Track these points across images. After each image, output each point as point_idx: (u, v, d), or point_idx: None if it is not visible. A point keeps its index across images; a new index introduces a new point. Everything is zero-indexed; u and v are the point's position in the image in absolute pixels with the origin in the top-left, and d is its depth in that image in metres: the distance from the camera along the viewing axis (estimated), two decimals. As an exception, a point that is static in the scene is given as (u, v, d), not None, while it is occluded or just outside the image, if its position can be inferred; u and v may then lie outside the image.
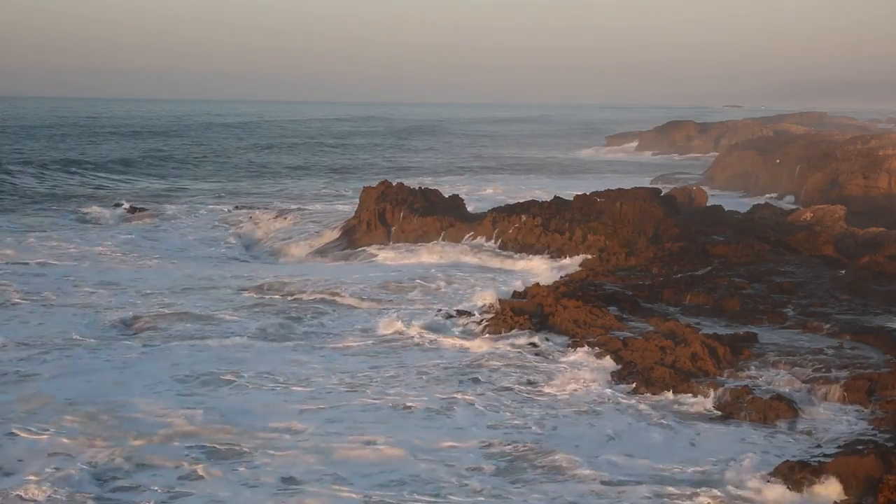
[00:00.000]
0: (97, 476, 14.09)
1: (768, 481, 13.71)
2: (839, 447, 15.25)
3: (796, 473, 13.61)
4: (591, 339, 20.96)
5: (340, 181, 67.68)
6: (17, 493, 13.38)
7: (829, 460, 14.06)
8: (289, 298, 26.65)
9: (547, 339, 21.63)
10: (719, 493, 13.59)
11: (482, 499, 13.59)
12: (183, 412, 16.84)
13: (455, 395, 18.08)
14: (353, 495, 13.64)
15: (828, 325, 21.79)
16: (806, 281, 26.10)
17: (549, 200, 35.37)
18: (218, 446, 15.36)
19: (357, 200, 38.81)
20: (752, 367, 19.00)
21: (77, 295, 26.92)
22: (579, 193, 35.56)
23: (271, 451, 15.17)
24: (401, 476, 14.36)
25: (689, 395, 18.00)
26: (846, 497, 13.10)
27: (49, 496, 13.34)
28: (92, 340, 22.01)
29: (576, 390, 18.46)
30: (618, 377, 18.98)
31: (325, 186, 63.37)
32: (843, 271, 27.16)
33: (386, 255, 33.16)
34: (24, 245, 36.32)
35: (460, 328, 22.82)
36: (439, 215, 35.33)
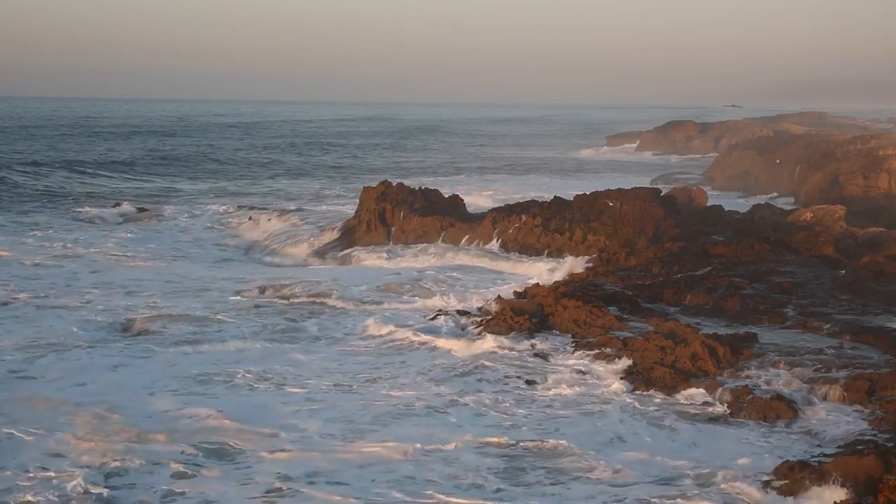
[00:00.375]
0: (93, 476, 14.04)
1: (768, 481, 13.70)
2: (839, 447, 15.23)
3: (796, 473, 13.60)
4: (591, 339, 20.95)
5: (340, 181, 67.67)
6: (13, 493, 13.36)
7: (829, 460, 14.04)
8: (286, 299, 26.60)
9: (547, 339, 21.63)
10: (719, 494, 13.58)
11: (482, 500, 13.56)
12: (179, 413, 16.81)
13: (454, 396, 18.06)
14: (350, 495, 13.61)
15: (828, 325, 21.78)
16: (806, 281, 26.08)
17: (549, 200, 35.35)
18: (214, 446, 15.33)
19: (357, 200, 38.80)
20: (752, 367, 18.99)
21: (73, 295, 26.86)
22: (579, 193, 35.55)
23: (268, 451, 15.14)
24: (399, 476, 14.33)
25: (689, 395, 18.00)
26: (846, 497, 13.08)
27: (45, 496, 13.31)
28: (88, 341, 21.98)
29: (576, 391, 18.45)
30: (617, 377, 18.96)
31: (325, 186, 63.35)
32: (843, 271, 27.15)
33: (379, 261, 32.79)
34: (20, 245, 36.30)
35: (460, 328, 22.79)
36: (439, 215, 35.31)
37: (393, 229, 35.50)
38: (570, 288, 25.15)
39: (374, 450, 15.33)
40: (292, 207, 46.66)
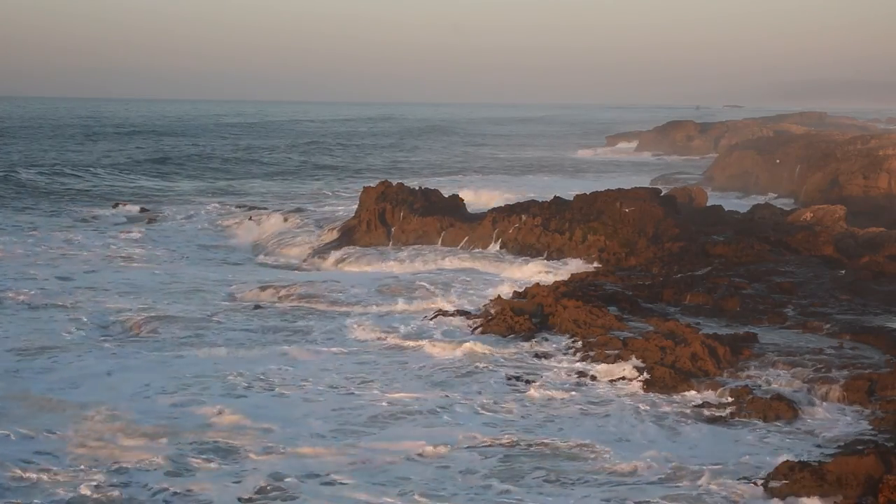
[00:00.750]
0: (87, 476, 14.06)
1: (768, 481, 13.70)
2: (839, 447, 15.23)
3: (796, 473, 13.59)
4: (591, 339, 20.95)
5: (340, 181, 67.66)
6: (5, 494, 13.37)
7: (829, 460, 14.03)
8: (284, 300, 26.56)
9: (546, 340, 21.63)
10: (719, 494, 13.58)
11: (481, 501, 13.56)
12: (174, 413, 16.79)
13: (452, 397, 18.03)
14: (345, 495, 13.60)
15: (828, 325, 21.77)
16: (806, 281, 26.08)
17: (549, 200, 35.34)
18: (209, 446, 15.30)
19: (357, 201, 38.79)
20: (752, 367, 18.99)
21: (69, 296, 26.80)
22: (579, 193, 35.53)
23: (263, 451, 15.11)
24: (395, 477, 14.32)
25: (689, 395, 18.01)
26: (846, 497, 13.08)
27: (38, 497, 13.31)
28: (83, 342, 21.96)
29: (575, 391, 18.45)
30: (618, 377, 18.96)
31: (325, 186, 63.35)
32: (843, 271, 27.14)
33: (378, 262, 32.67)
34: (16, 244, 36.30)
35: (459, 328, 22.79)
36: (439, 215, 35.30)
37: (393, 229, 35.49)
38: (570, 288, 25.15)
39: (371, 450, 15.31)
40: (292, 207, 46.65)
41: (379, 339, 22.33)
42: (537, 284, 25.40)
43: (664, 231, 31.66)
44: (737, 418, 16.77)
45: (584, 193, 35.10)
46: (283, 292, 27.12)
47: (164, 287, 28.68)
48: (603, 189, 35.55)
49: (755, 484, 13.73)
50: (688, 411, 17.26)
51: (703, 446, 15.47)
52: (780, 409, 16.86)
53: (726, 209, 37.97)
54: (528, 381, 18.87)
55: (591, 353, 20.16)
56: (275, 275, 31.73)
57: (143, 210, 47.55)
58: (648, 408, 17.42)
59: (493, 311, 23.27)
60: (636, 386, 18.46)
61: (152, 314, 24.64)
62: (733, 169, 61.07)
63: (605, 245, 31.20)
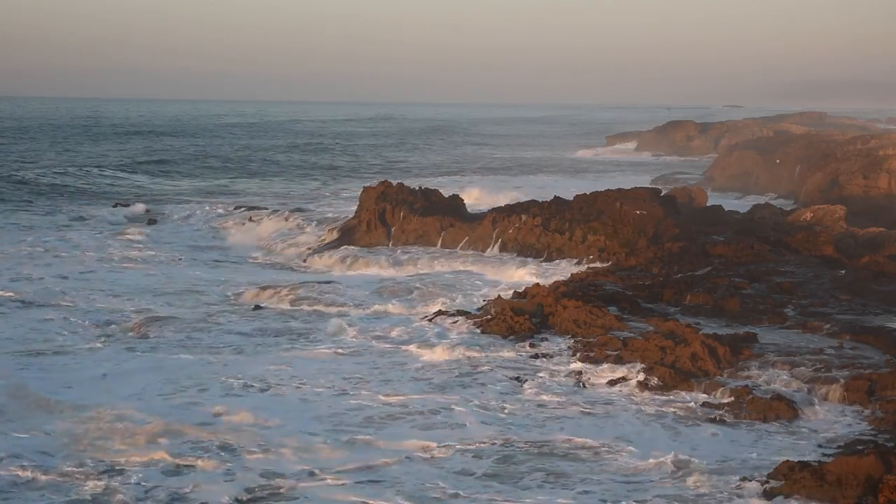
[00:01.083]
0: (83, 475, 14.10)
1: (768, 481, 13.69)
2: (839, 447, 15.24)
3: (796, 473, 13.58)
4: (591, 340, 20.94)
5: (340, 181, 67.62)
6: (6, 493, 13.37)
7: (829, 460, 14.03)
8: (283, 301, 26.53)
9: (547, 340, 21.62)
10: (719, 494, 13.57)
11: (480, 503, 13.55)
12: (170, 413, 16.77)
13: (451, 397, 18.02)
14: (341, 495, 13.59)
15: (828, 325, 21.77)
16: (806, 281, 26.07)
17: (549, 200, 35.33)
18: (205, 445, 15.30)
19: (357, 201, 38.77)
20: (752, 367, 18.98)
21: (67, 296, 26.83)
22: (579, 193, 35.52)
23: (261, 451, 15.11)
24: (393, 477, 14.31)
25: (689, 395, 18.00)
26: (846, 497, 13.07)
27: (35, 496, 13.31)
28: (79, 343, 21.99)
29: (575, 391, 18.45)
30: (618, 378, 18.95)
31: (324, 187, 63.35)
32: (843, 271, 27.13)
33: (377, 263, 32.59)
34: (12, 244, 36.27)
35: (459, 328, 22.77)
36: (439, 215, 35.29)
37: (393, 229, 35.48)
38: (570, 288, 25.14)
39: (368, 451, 15.30)
40: (291, 207, 46.61)
41: (376, 340, 22.29)
42: (537, 284, 25.38)
43: (664, 231, 31.66)
44: (737, 418, 16.77)
45: (584, 193, 35.10)
46: (282, 293, 27.09)
47: (162, 287, 28.67)
48: (603, 189, 35.53)
49: (755, 484, 13.72)
50: (688, 411, 17.26)
51: (704, 446, 15.47)
52: (780, 409, 16.86)
53: (726, 209, 37.96)
54: (527, 382, 18.86)
55: (592, 354, 20.15)
56: (274, 275, 31.73)
57: (141, 210, 47.51)
58: (648, 408, 17.42)
59: (493, 311, 23.25)
60: (636, 386, 18.45)
61: (150, 315, 24.64)
62: (733, 169, 61.06)
63: (605, 245, 31.19)
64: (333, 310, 25.36)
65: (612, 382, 18.76)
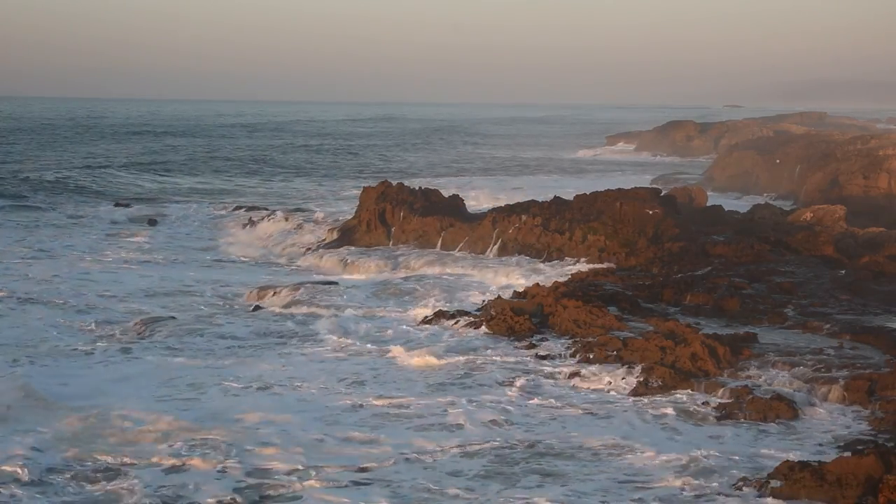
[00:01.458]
0: (79, 475, 14.11)
1: (768, 481, 13.68)
2: (839, 447, 15.24)
3: (796, 473, 13.58)
4: (591, 339, 20.93)
5: (339, 181, 67.60)
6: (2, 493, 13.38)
7: (829, 460, 14.03)
8: (282, 302, 26.51)
9: (546, 340, 21.61)
10: (719, 494, 13.57)
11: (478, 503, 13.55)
12: (165, 413, 16.78)
13: (451, 397, 18.00)
14: (336, 495, 13.60)
15: (828, 325, 21.76)
16: (806, 281, 26.07)
17: (549, 200, 35.32)
18: (200, 444, 15.31)
19: (357, 201, 38.76)
20: (752, 367, 18.98)
21: (63, 296, 26.83)
22: (579, 193, 35.49)
23: (257, 450, 15.10)
24: (389, 477, 14.31)
25: (689, 395, 18.00)
26: (846, 497, 13.07)
27: (30, 495, 13.31)
28: (73, 343, 21.97)
29: (575, 391, 18.44)
30: (618, 378, 18.94)
31: (325, 186, 63.33)
32: (843, 271, 27.13)
33: (375, 264, 32.49)
34: (11, 243, 36.25)
35: (458, 328, 22.77)
36: (439, 215, 35.27)
37: (393, 229, 35.47)
38: (570, 288, 25.13)
39: (364, 451, 15.30)
40: (291, 208, 46.62)
41: (375, 341, 22.27)
42: (537, 284, 25.38)
43: (664, 231, 31.64)
44: (737, 418, 16.76)
45: (584, 193, 35.06)
46: (281, 293, 27.08)
47: (161, 288, 28.67)
48: (603, 189, 35.51)
49: (755, 484, 13.72)
50: (688, 411, 17.25)
51: (703, 446, 15.44)
52: (780, 409, 16.86)
53: (726, 209, 37.95)
54: (526, 382, 18.86)
55: (591, 354, 20.14)
56: (274, 276, 31.72)
57: (141, 210, 47.52)
58: (648, 408, 17.42)
59: (493, 311, 23.24)
60: (636, 386, 18.43)
61: (149, 315, 24.63)
62: (733, 169, 61.05)
63: (605, 245, 31.18)
64: (332, 311, 25.29)
65: (611, 382, 18.75)
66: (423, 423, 16.63)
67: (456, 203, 37.25)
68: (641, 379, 18.62)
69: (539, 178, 70.22)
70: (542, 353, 20.71)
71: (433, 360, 20.34)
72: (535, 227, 32.91)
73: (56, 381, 18.79)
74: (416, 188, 37.85)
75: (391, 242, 35.03)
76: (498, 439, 15.80)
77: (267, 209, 46.21)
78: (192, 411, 17.04)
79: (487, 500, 13.54)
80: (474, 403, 17.58)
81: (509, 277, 29.46)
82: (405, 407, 17.44)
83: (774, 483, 13.60)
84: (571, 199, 34.64)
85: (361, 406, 17.51)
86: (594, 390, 18.47)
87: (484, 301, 25.10)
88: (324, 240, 37.46)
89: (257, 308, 25.88)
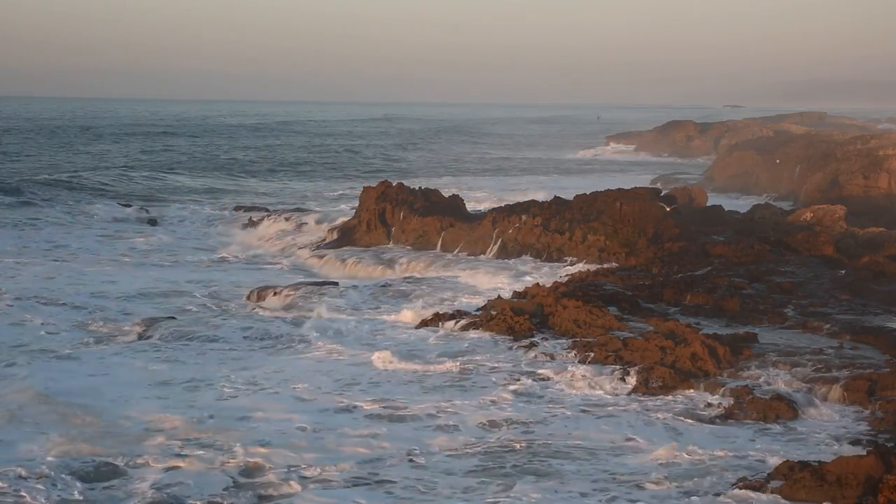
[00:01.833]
0: (70, 473, 14.11)
1: (768, 481, 13.69)
2: (839, 447, 15.24)
3: (796, 473, 13.58)
4: (590, 339, 20.93)
5: (340, 181, 67.63)
6: (7, 498, 13.38)
7: (829, 460, 14.02)
8: (280, 303, 26.49)
9: (546, 340, 21.60)
10: (719, 494, 13.57)
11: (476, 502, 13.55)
12: (162, 413, 16.80)
13: (449, 397, 17.99)
14: (333, 496, 13.59)
15: (828, 325, 21.76)
16: (806, 281, 26.07)
17: (549, 200, 35.32)
18: (198, 445, 15.30)
19: (357, 201, 38.77)
20: (752, 367, 18.98)
21: (60, 295, 26.80)
22: (579, 193, 35.50)
23: (252, 451, 15.09)
24: (385, 477, 14.30)
25: (689, 395, 18.00)
26: (846, 497, 13.07)
27: (22, 496, 13.33)
28: (69, 343, 21.97)
29: (575, 391, 18.43)
30: (617, 377, 18.95)
31: (325, 186, 63.36)
32: (843, 271, 27.13)
33: (374, 265, 32.46)
34: (10, 242, 36.23)
35: (458, 329, 22.76)
36: (439, 215, 35.27)
37: (393, 229, 35.48)
38: (570, 288, 25.13)
39: (361, 451, 15.29)
40: (291, 208, 46.62)
41: (374, 341, 22.23)
42: (537, 284, 25.38)
43: (664, 231, 31.65)
44: (737, 418, 16.77)
45: (584, 193, 35.07)
46: (281, 294, 27.07)
47: (161, 288, 28.65)
48: (603, 189, 35.52)
49: (755, 484, 13.71)
50: (688, 411, 17.24)
51: (703, 446, 15.44)
52: (780, 409, 16.86)
53: (726, 209, 37.96)
54: (526, 382, 18.85)
55: (591, 354, 20.13)
56: (273, 276, 31.71)
57: (140, 210, 47.51)
58: (648, 408, 17.41)
59: (493, 311, 23.23)
60: (636, 386, 18.43)
61: (148, 315, 24.63)
62: (733, 169, 61.05)
63: (605, 245, 31.19)
64: (331, 312, 25.21)
65: (611, 382, 18.74)
66: (422, 424, 16.61)
67: (456, 203, 37.26)
68: (641, 379, 18.62)
69: (539, 178, 70.22)
70: (541, 353, 20.70)
71: (431, 363, 20.32)
72: (535, 227, 32.91)
73: (54, 381, 18.75)
74: (416, 188, 37.87)
75: (391, 242, 35.04)
76: (495, 440, 15.78)
77: (267, 209, 46.22)
78: (190, 412, 17.01)
79: (484, 500, 13.53)
80: (472, 404, 17.56)
81: (507, 278, 29.39)
82: (402, 408, 17.39)
83: (774, 483, 13.60)
84: (571, 199, 34.64)
85: (357, 407, 17.47)
86: (594, 390, 18.45)
87: (484, 301, 25.06)
88: (324, 240, 37.47)
89: (256, 308, 25.86)
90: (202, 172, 71.21)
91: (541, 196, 39.07)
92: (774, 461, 14.44)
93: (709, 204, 40.94)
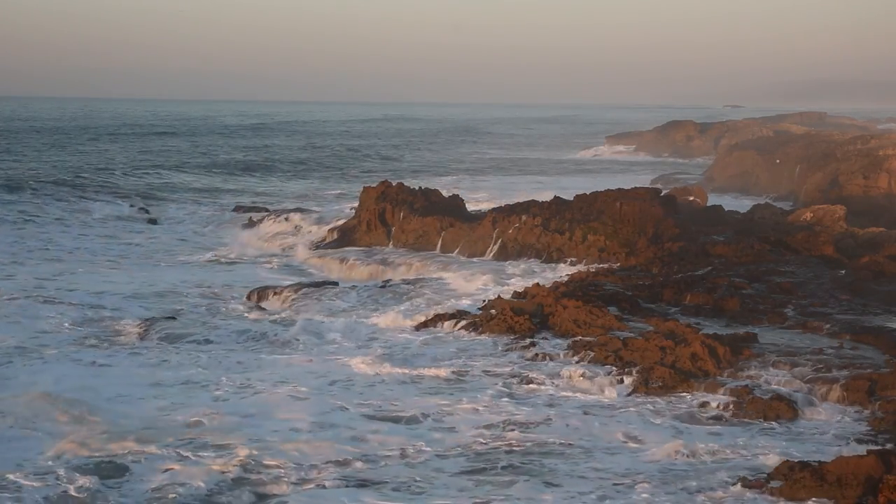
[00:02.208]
0: (69, 472, 14.12)
1: (768, 481, 13.69)
2: (839, 447, 15.24)
3: (796, 473, 13.58)
4: (590, 339, 20.93)
5: (340, 181, 67.62)
6: (6, 494, 13.38)
7: (828, 460, 14.02)
8: (280, 303, 26.47)
9: (546, 340, 21.60)
10: (719, 494, 13.57)
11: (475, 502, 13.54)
12: (158, 414, 16.82)
13: (449, 397, 18.00)
14: (330, 496, 13.60)
15: (828, 325, 21.76)
16: (806, 281, 26.07)
17: (549, 200, 35.31)
18: (194, 446, 15.30)
19: (357, 201, 38.76)
20: (752, 367, 18.98)
21: (57, 294, 26.84)
22: (579, 193, 35.49)
23: (247, 450, 15.10)
24: (381, 477, 14.31)
25: (689, 395, 18.00)
26: (846, 497, 13.07)
27: (31, 495, 13.33)
28: (65, 342, 21.96)
29: (575, 391, 18.43)
30: (617, 378, 18.94)
31: (325, 186, 63.35)
32: (843, 271, 27.13)
33: (374, 266, 32.41)
34: (7, 241, 36.22)
35: (458, 328, 22.76)
36: (439, 215, 35.26)
37: (393, 229, 35.47)
38: (570, 288, 25.14)
39: (357, 448, 15.30)
40: (291, 208, 46.61)
41: (372, 341, 22.24)
42: (537, 284, 25.38)
43: (664, 231, 31.65)
44: (737, 418, 16.77)
45: (584, 193, 35.06)
46: (282, 294, 27.07)
47: (160, 288, 28.65)
48: (603, 189, 35.52)
49: (755, 484, 13.71)
50: (688, 411, 17.24)
51: (703, 446, 15.44)
52: (780, 409, 16.86)
53: (726, 209, 37.96)
54: (526, 382, 18.85)
55: (591, 354, 20.13)
56: (273, 276, 31.70)
57: (140, 209, 47.53)
58: (648, 408, 17.41)
59: (493, 311, 23.23)
60: (636, 386, 18.43)
61: (146, 315, 24.62)
62: (733, 169, 61.06)
63: (605, 245, 31.18)
64: (331, 312, 25.23)
65: (611, 382, 18.74)
66: (420, 424, 16.62)
67: (456, 203, 37.26)
68: (641, 379, 18.62)
69: (539, 178, 70.22)
70: (541, 352, 20.69)
71: (430, 363, 20.31)
72: (535, 227, 32.90)
73: (52, 380, 18.74)
74: (416, 188, 37.86)
75: (391, 242, 35.03)
76: (493, 440, 15.77)
77: (267, 209, 46.24)
78: (188, 412, 17.01)
79: (481, 500, 13.52)
80: (470, 404, 17.55)
81: (503, 280, 29.30)
82: (398, 409, 17.39)
83: (774, 483, 13.60)
84: (571, 199, 34.64)
85: (353, 408, 17.43)
86: (594, 390, 18.45)
87: (484, 301, 25.06)
88: (324, 240, 37.47)
89: (255, 309, 25.86)
90: (202, 172, 71.18)
91: (540, 196, 39.00)
92: (774, 461, 14.44)
93: (709, 204, 40.96)
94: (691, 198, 42.21)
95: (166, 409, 17.15)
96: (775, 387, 17.99)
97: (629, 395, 18.19)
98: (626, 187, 35.93)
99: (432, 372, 19.66)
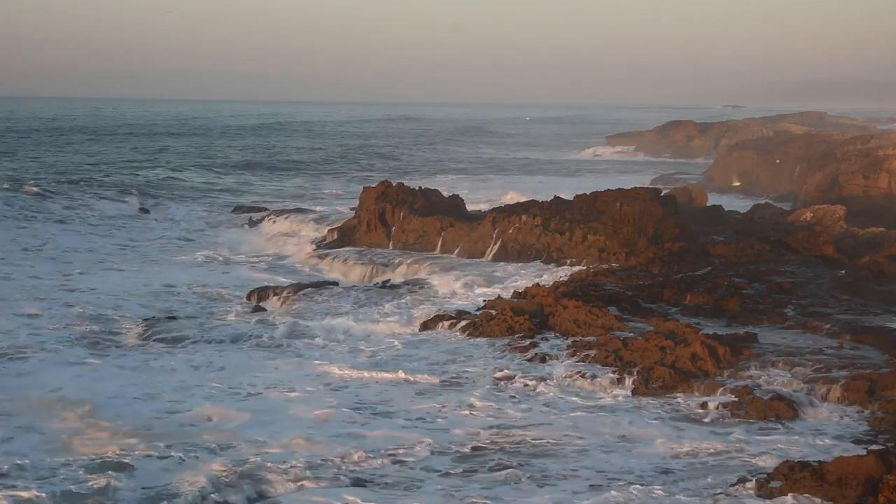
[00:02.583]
0: (66, 472, 14.11)
1: (768, 482, 13.68)
2: (839, 447, 15.24)
3: (796, 473, 13.58)
4: (590, 339, 20.93)
5: (339, 181, 67.60)
6: (11, 492, 13.39)
7: (828, 460, 14.02)
8: (280, 303, 26.45)
9: (546, 340, 21.60)
10: (719, 494, 13.56)
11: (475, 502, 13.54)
12: (152, 415, 16.81)
13: (449, 397, 18.00)
14: (328, 496, 13.61)
15: (828, 325, 21.76)
16: (806, 281, 26.07)
17: (549, 200, 35.30)
18: (189, 447, 15.29)
19: (357, 201, 38.75)
20: (752, 367, 18.98)
21: (53, 294, 26.78)
22: (579, 193, 35.47)
23: (243, 450, 15.13)
24: (379, 477, 14.30)
25: (689, 395, 18.00)
26: (846, 497, 13.07)
27: (39, 495, 13.34)
28: (60, 342, 21.92)
29: (575, 391, 18.43)
30: (617, 378, 18.94)
31: (325, 187, 63.33)
32: (843, 271, 27.13)
33: (373, 266, 32.37)
34: (5, 240, 36.19)
35: (458, 328, 22.77)
36: (440, 215, 35.26)
37: (393, 229, 35.46)
38: (570, 288, 25.13)
39: (356, 447, 15.30)
40: (291, 207, 46.60)
41: (372, 341, 22.21)
42: (537, 284, 25.38)
43: (664, 231, 31.64)
44: (737, 418, 16.76)
45: (584, 193, 35.04)
46: (282, 294, 27.04)
47: (159, 288, 28.62)
48: (603, 189, 35.50)
49: (755, 484, 13.71)
50: (688, 411, 17.25)
51: (703, 446, 15.45)
52: (780, 409, 16.86)
53: (726, 209, 37.96)
54: (526, 382, 18.86)
55: (591, 354, 20.13)
56: (274, 276, 31.69)
57: (140, 209, 47.53)
58: (648, 408, 17.41)
59: (493, 311, 23.23)
60: (636, 386, 18.43)
61: (145, 315, 24.60)
62: (733, 169, 61.06)
63: (605, 245, 31.17)
64: (330, 313, 25.18)
65: (611, 382, 18.75)
66: (419, 424, 16.61)
67: (456, 203, 37.25)
68: (641, 379, 18.61)
69: (539, 178, 70.22)
70: (541, 353, 20.69)
71: (428, 363, 20.31)
72: (535, 227, 32.89)
73: (51, 381, 18.75)
74: (416, 188, 37.85)
75: (391, 243, 35.02)
76: (493, 440, 15.78)
77: (267, 209, 46.22)
78: (187, 411, 17.03)
79: (483, 500, 13.51)
80: (472, 404, 17.56)
81: (503, 280, 29.28)
82: (395, 409, 17.39)
83: (774, 483, 13.60)
84: (571, 199, 34.63)
85: (350, 408, 17.42)
86: (594, 390, 18.45)
87: (484, 301, 25.07)
88: (324, 239, 37.45)
89: (255, 309, 25.85)
90: (202, 172, 71.14)
91: (527, 196, 38.95)
92: (774, 461, 14.43)
93: (709, 204, 40.94)
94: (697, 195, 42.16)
95: (166, 410, 17.16)
96: (775, 387, 17.99)
97: (629, 395, 18.19)
98: (626, 187, 35.91)
99: (430, 372, 19.64)
